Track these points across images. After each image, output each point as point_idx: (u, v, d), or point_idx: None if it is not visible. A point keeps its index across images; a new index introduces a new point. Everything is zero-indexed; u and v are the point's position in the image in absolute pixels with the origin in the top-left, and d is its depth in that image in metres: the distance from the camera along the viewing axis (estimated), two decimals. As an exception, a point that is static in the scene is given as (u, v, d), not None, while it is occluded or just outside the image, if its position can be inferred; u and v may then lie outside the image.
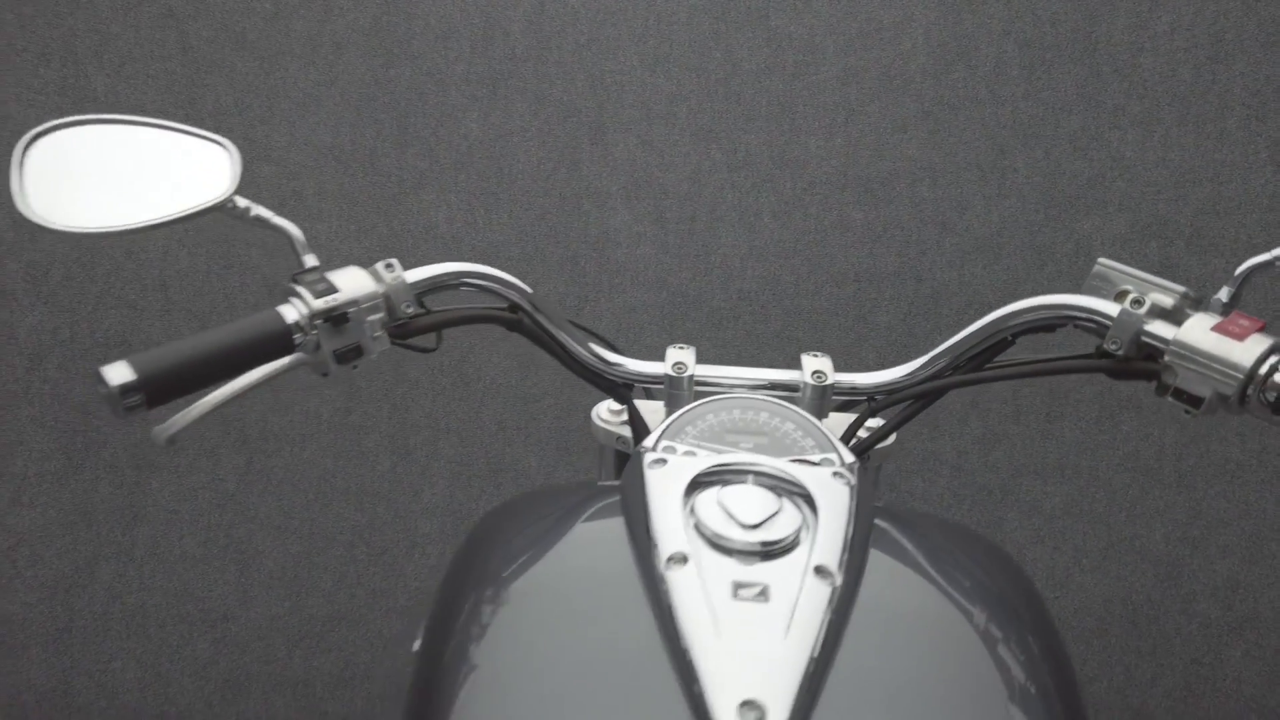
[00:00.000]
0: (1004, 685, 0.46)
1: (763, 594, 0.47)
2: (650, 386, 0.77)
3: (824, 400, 0.72)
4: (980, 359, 0.68)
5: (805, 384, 0.72)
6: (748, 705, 0.40)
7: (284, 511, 1.64)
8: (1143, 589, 1.42)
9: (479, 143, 1.55)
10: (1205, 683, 1.41)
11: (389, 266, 0.68)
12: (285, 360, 0.64)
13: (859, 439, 0.73)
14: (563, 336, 0.74)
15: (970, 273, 1.39)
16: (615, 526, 0.54)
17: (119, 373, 0.55)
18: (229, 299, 1.56)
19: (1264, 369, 0.55)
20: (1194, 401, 0.58)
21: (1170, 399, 0.59)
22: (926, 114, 1.42)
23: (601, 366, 0.75)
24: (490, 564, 0.54)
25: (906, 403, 0.71)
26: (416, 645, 0.54)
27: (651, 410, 0.76)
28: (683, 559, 0.48)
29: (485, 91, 1.54)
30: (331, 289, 0.64)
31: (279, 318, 0.62)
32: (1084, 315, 0.63)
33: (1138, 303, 0.61)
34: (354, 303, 0.65)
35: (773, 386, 0.73)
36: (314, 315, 0.63)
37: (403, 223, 1.57)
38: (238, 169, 0.69)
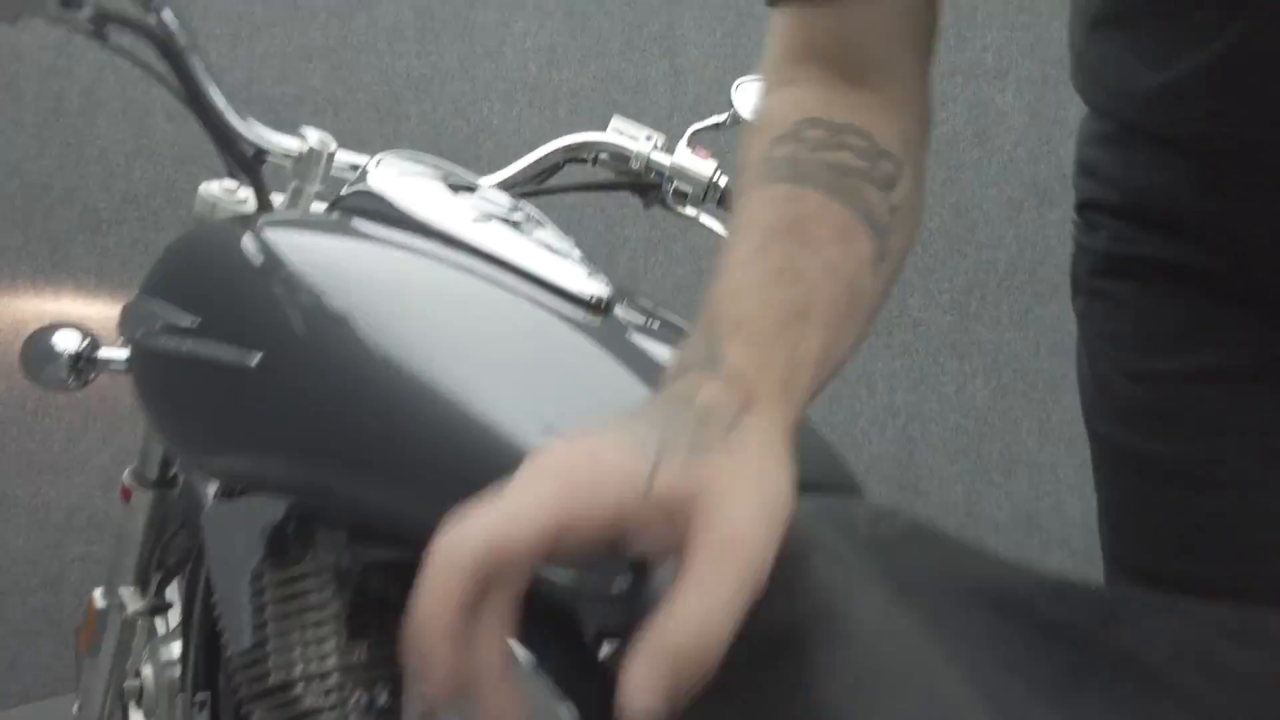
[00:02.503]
0: None
1: (545, 233, 0.59)
2: (281, 163, 0.74)
3: None
4: (540, 178, 0.88)
5: None
6: (590, 273, 0.54)
7: None
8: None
9: None
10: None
11: None
12: None
13: None
14: (208, 80, 0.68)
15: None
16: (380, 230, 0.57)
17: None
18: None
19: (715, 176, 0.87)
20: (683, 197, 0.87)
21: (669, 202, 0.88)
22: (330, 50, 1.53)
23: (241, 129, 0.69)
24: (287, 251, 0.52)
25: None
26: (255, 359, 0.47)
27: (277, 196, 0.74)
28: (485, 218, 0.57)
29: None
30: None
31: None
32: (614, 148, 0.87)
33: (649, 138, 0.88)
34: None
35: None
36: None
37: None
38: None
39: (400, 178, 0.63)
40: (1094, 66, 0.56)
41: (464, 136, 1.65)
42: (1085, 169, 0.60)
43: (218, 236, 0.61)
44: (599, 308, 0.52)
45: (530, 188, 0.87)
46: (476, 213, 0.59)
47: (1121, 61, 0.52)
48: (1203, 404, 0.53)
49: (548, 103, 1.71)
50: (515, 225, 0.60)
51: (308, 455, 0.46)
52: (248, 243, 0.54)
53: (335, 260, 0.53)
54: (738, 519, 0.29)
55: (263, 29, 1.47)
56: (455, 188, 0.64)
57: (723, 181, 0.88)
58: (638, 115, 1.81)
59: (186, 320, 0.52)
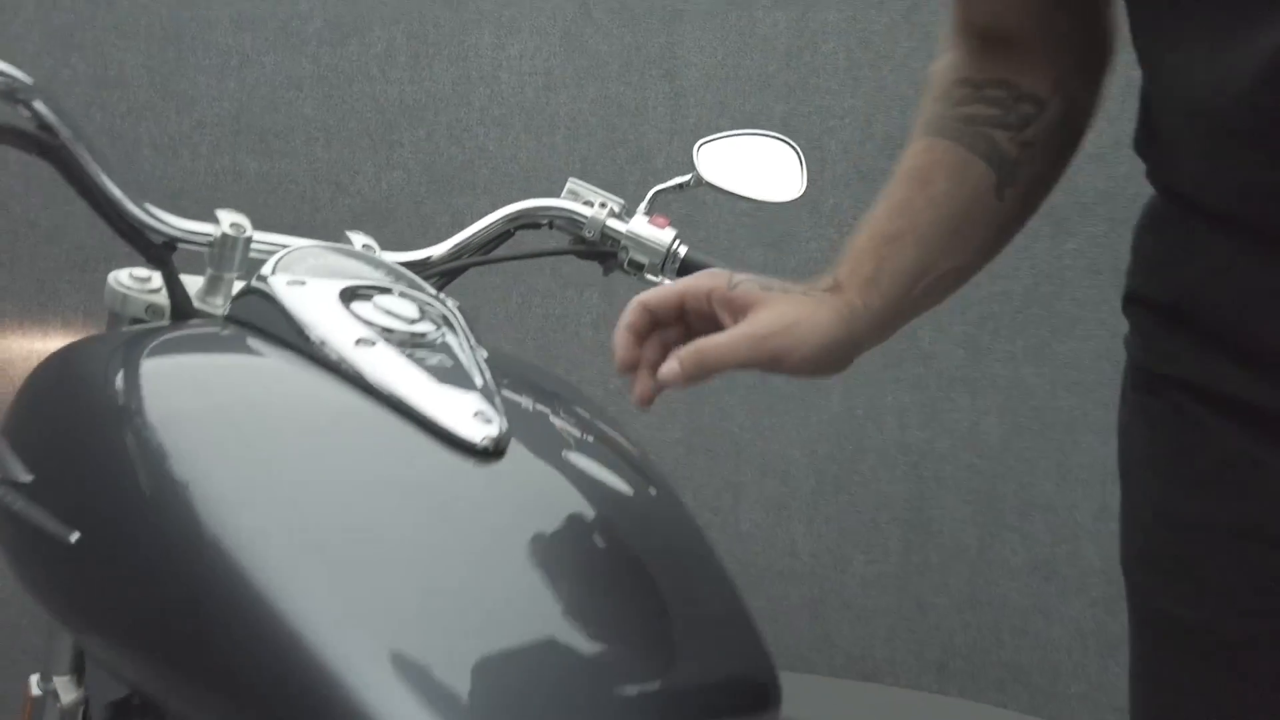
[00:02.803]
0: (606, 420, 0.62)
1: (447, 353, 0.54)
2: (194, 248, 0.70)
3: None
4: (489, 246, 0.84)
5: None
6: (477, 414, 0.49)
7: None
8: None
9: None
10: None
11: None
12: None
13: None
14: (103, 177, 0.63)
15: (364, 232, 1.50)
16: (268, 347, 0.52)
17: None
18: None
19: (674, 246, 0.83)
20: (638, 267, 0.84)
21: (627, 269, 0.84)
22: (322, 78, 1.49)
23: (145, 218, 0.66)
24: (123, 405, 0.47)
25: (434, 278, 0.81)
26: (74, 536, 0.43)
27: (189, 282, 0.71)
28: (371, 341, 0.52)
29: None
30: None
31: None
32: (565, 213, 0.84)
33: (603, 205, 0.84)
34: None
35: None
36: None
37: None
38: None
39: (297, 281, 0.58)
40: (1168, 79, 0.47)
41: (459, 164, 1.61)
42: (1135, 256, 0.54)
43: (69, 368, 0.55)
44: (488, 453, 0.47)
45: (477, 258, 0.83)
46: (367, 331, 0.54)
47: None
48: (1240, 568, 0.45)
49: (545, 128, 1.66)
50: (416, 341, 0.55)
51: (123, 649, 0.42)
52: (88, 383, 0.50)
53: (177, 411, 0.47)
54: (765, 323, 0.48)
55: (252, 59, 1.44)
56: (361, 291, 0.59)
57: (682, 250, 0.84)
58: (637, 139, 1.76)
59: (22, 475, 0.48)
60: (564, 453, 0.52)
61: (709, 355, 0.48)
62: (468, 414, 0.48)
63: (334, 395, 0.49)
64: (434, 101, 1.58)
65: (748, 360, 0.49)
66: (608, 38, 1.70)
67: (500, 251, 0.84)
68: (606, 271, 0.86)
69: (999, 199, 0.52)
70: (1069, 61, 0.54)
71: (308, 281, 0.58)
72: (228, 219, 0.68)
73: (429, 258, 0.83)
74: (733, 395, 1.91)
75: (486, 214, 0.85)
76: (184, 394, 0.49)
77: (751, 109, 1.60)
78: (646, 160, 1.66)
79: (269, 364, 0.53)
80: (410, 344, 0.55)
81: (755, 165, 0.90)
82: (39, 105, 0.61)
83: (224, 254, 0.68)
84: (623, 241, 0.83)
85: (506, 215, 0.84)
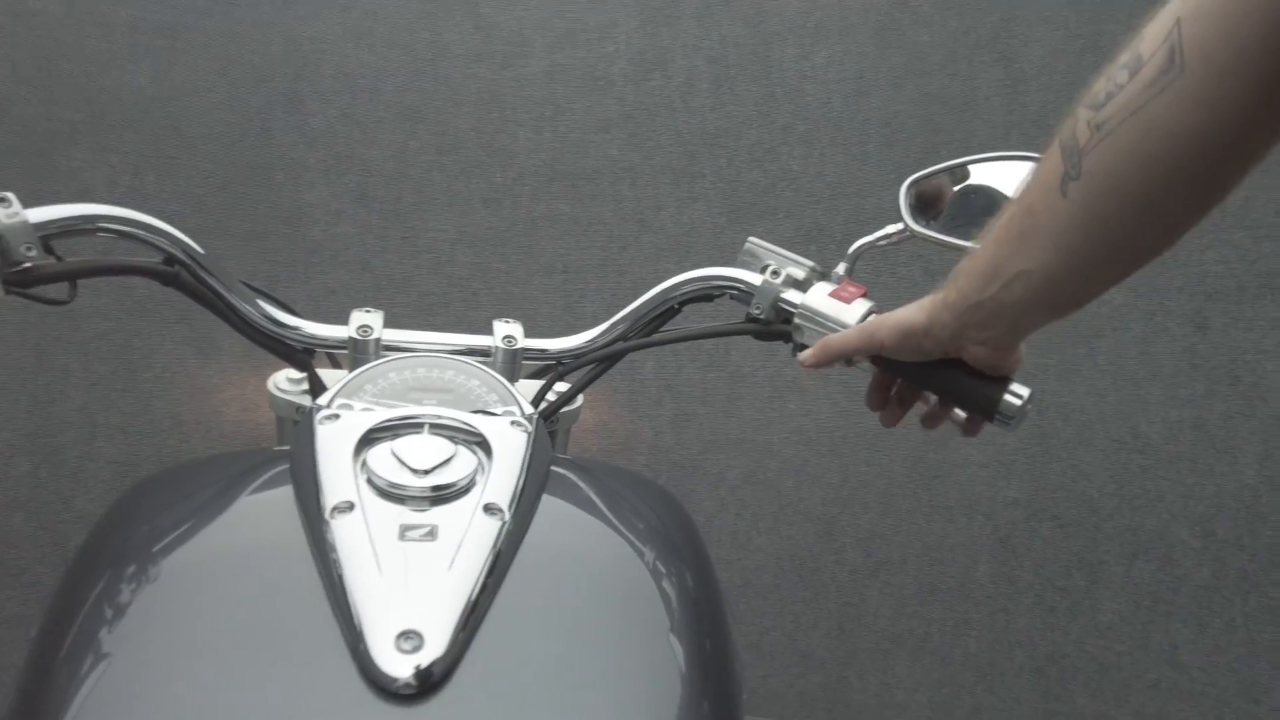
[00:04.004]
0: (657, 615, 0.48)
1: (430, 534, 0.46)
2: (334, 352, 0.74)
3: (515, 364, 0.74)
4: (652, 325, 0.75)
5: (496, 348, 0.73)
6: (405, 635, 0.40)
7: (-127, 531, 1.32)
8: (806, 544, 1.64)
9: (152, 99, 1.38)
10: (853, 620, 1.66)
11: (3, 201, 0.59)
12: None
13: (548, 402, 0.76)
14: (231, 296, 0.68)
15: (665, 268, 1.51)
16: (281, 488, 0.51)
17: None
18: None
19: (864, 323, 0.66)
20: None
21: (797, 354, 0.69)
22: (627, 117, 1.52)
23: (278, 330, 0.70)
24: (131, 537, 0.48)
25: (591, 366, 0.75)
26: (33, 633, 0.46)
27: (336, 379, 0.73)
28: (349, 507, 0.47)
29: (162, 43, 1.37)
30: None
31: None
32: (733, 285, 0.72)
33: (775, 274, 0.70)
34: None
35: (464, 351, 0.73)
36: None
37: (48, 182, 1.35)
38: None
39: (332, 416, 0.55)
40: None
41: (762, 188, 1.54)
42: None
43: (124, 506, 0.55)
44: (412, 693, 0.37)
45: (635, 342, 0.73)
46: (351, 492, 0.47)
47: None
48: None
49: (854, 138, 1.52)
50: (407, 498, 0.48)
51: None
52: (113, 508, 0.50)
53: (122, 558, 0.46)
54: (874, 318, 0.63)
55: (564, 109, 1.51)
56: (389, 430, 0.54)
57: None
58: (965, 136, 1.53)
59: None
60: (529, 686, 0.40)
61: (831, 343, 0.64)
62: (391, 634, 0.39)
63: (282, 578, 0.44)
64: (735, 126, 1.53)
65: (858, 346, 0.62)
66: (929, 26, 1.49)
67: (657, 336, 0.75)
68: (793, 353, 0.70)
69: (1063, 195, 0.46)
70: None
71: (342, 416, 0.56)
72: (357, 321, 0.70)
73: (585, 343, 0.76)
74: (1090, 451, 1.58)
75: (787, 240, 0.75)
76: (140, 545, 0.48)
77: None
78: (972, 164, 1.43)
79: (246, 520, 0.50)
80: (411, 500, 0.48)
81: (999, 202, 0.70)
82: (181, 249, 0.66)
83: (357, 354, 0.70)
84: (795, 319, 0.68)
85: (669, 290, 0.74)
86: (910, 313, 0.59)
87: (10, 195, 0.59)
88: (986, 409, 0.60)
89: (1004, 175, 0.70)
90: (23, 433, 1.39)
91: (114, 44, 1.35)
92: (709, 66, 1.51)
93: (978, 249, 0.53)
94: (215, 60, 1.39)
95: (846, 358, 0.64)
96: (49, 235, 0.60)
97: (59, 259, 0.61)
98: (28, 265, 0.58)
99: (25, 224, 0.58)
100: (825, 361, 0.64)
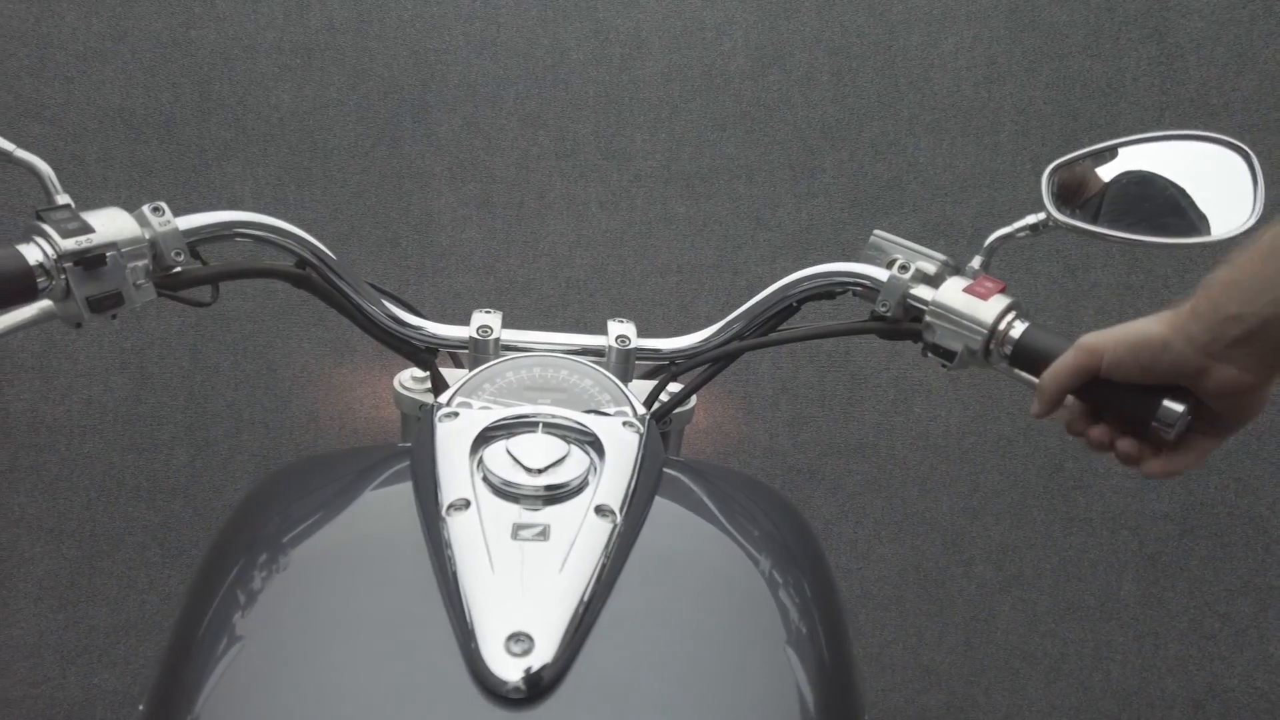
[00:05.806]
0: (774, 624, 0.47)
1: (543, 534, 0.46)
2: (455, 351, 0.75)
3: (628, 364, 0.73)
4: (769, 324, 0.71)
5: (610, 348, 0.72)
6: (516, 637, 0.40)
7: (58, 513, 1.47)
8: (931, 556, 1.56)
9: (291, 114, 1.46)
10: (981, 636, 1.57)
11: (157, 210, 0.62)
12: (31, 309, 0.58)
13: (661, 403, 0.75)
14: (358, 298, 0.71)
15: (781, 267, 1.48)
16: (401, 483, 0.52)
17: None
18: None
19: (1002, 325, 0.61)
20: (949, 356, 0.63)
21: (929, 355, 0.64)
22: (744, 114, 1.49)
23: (402, 330, 0.72)
24: (262, 527, 0.50)
25: (704, 366, 0.73)
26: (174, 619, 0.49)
27: (457, 377, 0.75)
28: (464, 504, 0.47)
29: (299, 61, 1.46)
30: (86, 228, 0.58)
31: (19, 257, 0.55)
32: (856, 280, 0.67)
33: (904, 269, 0.65)
34: (111, 245, 0.58)
35: (579, 351, 0.73)
36: (62, 257, 0.56)
37: (203, 195, 1.45)
38: None
39: (451, 414, 0.55)
40: None
41: (885, 181, 1.48)
42: None
43: (258, 497, 0.57)
44: (521, 697, 0.37)
45: (752, 341, 0.70)
46: (466, 489, 0.47)
47: None
48: None
49: (986, 127, 1.43)
50: (521, 495, 0.48)
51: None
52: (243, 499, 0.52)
53: (242, 550, 0.47)
54: (1091, 344, 0.55)
55: (680, 107, 1.50)
56: (504, 428, 0.53)
57: (1016, 331, 0.60)
58: (1109, 121, 1.42)
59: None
60: (639, 696, 0.39)
61: (1051, 377, 0.56)
62: (502, 635, 0.39)
63: (400, 573, 0.44)
64: (857, 119, 1.48)
65: (1074, 367, 0.55)
66: (1067, 5, 1.39)
67: (774, 336, 0.71)
68: (924, 353, 0.65)
69: None
70: None
71: (461, 414, 0.56)
72: (477, 321, 0.70)
73: (699, 343, 0.74)
74: (1257, 463, 1.43)
75: (913, 235, 0.72)
76: (270, 536, 0.49)
77: None
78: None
79: (368, 515, 0.50)
80: (524, 499, 0.48)
81: (1160, 189, 0.63)
82: (313, 255, 0.69)
83: (478, 354, 0.71)
84: (926, 316, 0.63)
85: (787, 287, 0.70)
86: (1143, 324, 0.53)
87: (163, 204, 0.63)
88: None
89: (1163, 158, 0.62)
90: (182, 426, 1.51)
91: (258, 65, 1.44)
92: (829, 59, 1.47)
93: (1240, 257, 0.48)
94: (347, 74, 1.46)
95: (1074, 388, 0.56)
96: (195, 241, 0.64)
97: (204, 263, 0.65)
98: (177, 270, 0.63)
99: (175, 231, 0.62)
100: (1058, 398, 0.56)
